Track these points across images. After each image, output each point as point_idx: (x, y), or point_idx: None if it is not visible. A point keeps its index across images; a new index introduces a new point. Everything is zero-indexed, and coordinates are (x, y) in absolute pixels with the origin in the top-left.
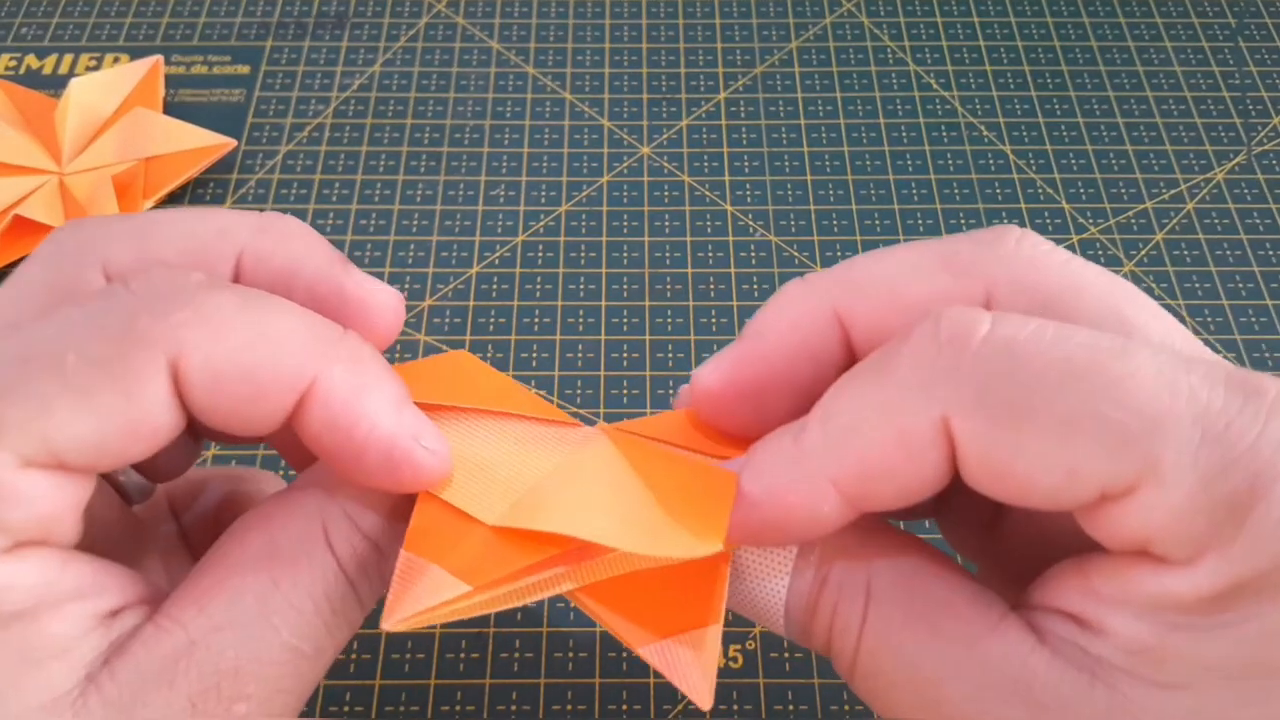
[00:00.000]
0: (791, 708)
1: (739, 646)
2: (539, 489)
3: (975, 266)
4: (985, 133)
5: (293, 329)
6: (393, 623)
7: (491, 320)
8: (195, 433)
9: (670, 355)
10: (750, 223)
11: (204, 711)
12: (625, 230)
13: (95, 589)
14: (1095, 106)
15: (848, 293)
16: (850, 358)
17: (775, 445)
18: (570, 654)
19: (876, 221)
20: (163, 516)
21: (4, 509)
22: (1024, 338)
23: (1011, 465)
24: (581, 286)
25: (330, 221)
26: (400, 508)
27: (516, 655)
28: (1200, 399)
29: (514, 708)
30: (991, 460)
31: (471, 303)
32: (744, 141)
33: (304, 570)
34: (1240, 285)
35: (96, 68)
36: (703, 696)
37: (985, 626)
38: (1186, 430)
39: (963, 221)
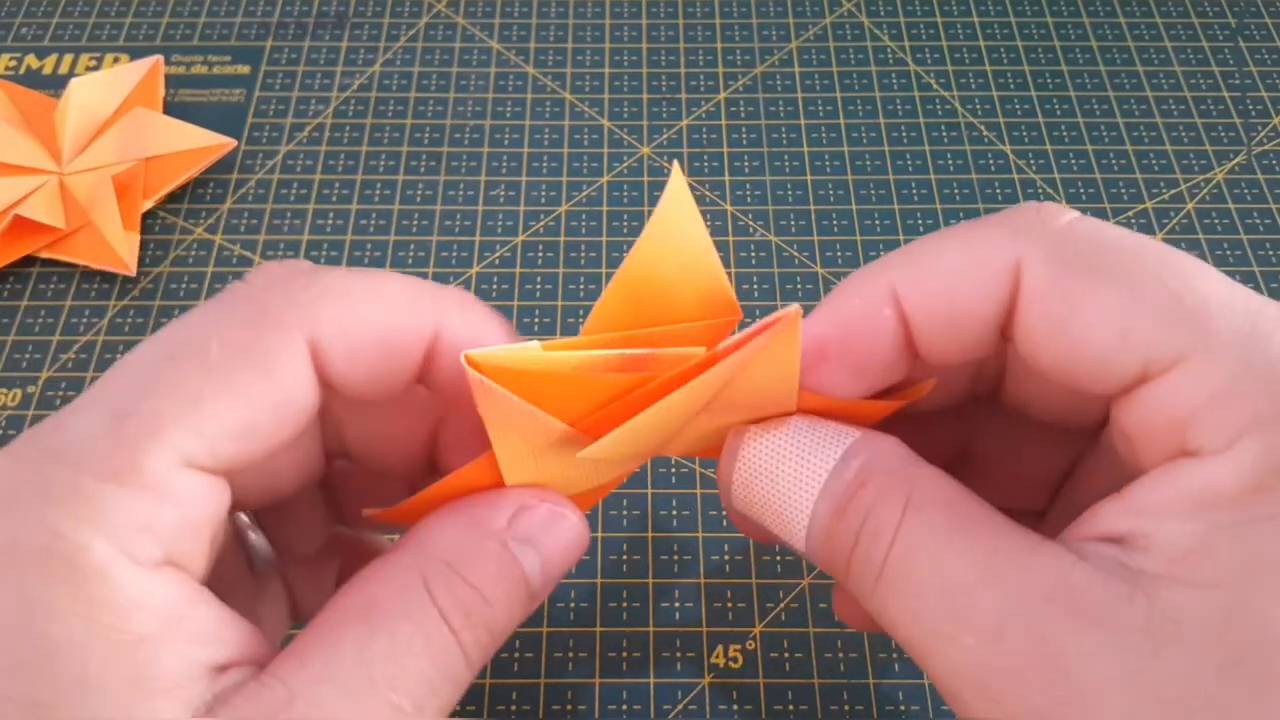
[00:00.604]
0: (791, 708)
1: (739, 646)
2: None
3: (1010, 243)
4: (985, 133)
5: (404, 288)
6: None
7: None
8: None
9: None
10: (750, 223)
11: None
12: (625, 230)
13: (214, 637)
14: (1095, 106)
15: (905, 278)
16: (910, 345)
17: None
18: (570, 654)
19: (876, 221)
20: (279, 593)
21: (158, 508)
22: (1108, 226)
23: (1070, 318)
24: (581, 286)
25: (330, 221)
26: (505, 561)
27: (516, 655)
28: (1255, 303)
29: (514, 708)
30: (1052, 310)
31: None
32: (744, 141)
33: (402, 622)
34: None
35: (96, 68)
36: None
37: (1026, 543)
38: (1238, 319)
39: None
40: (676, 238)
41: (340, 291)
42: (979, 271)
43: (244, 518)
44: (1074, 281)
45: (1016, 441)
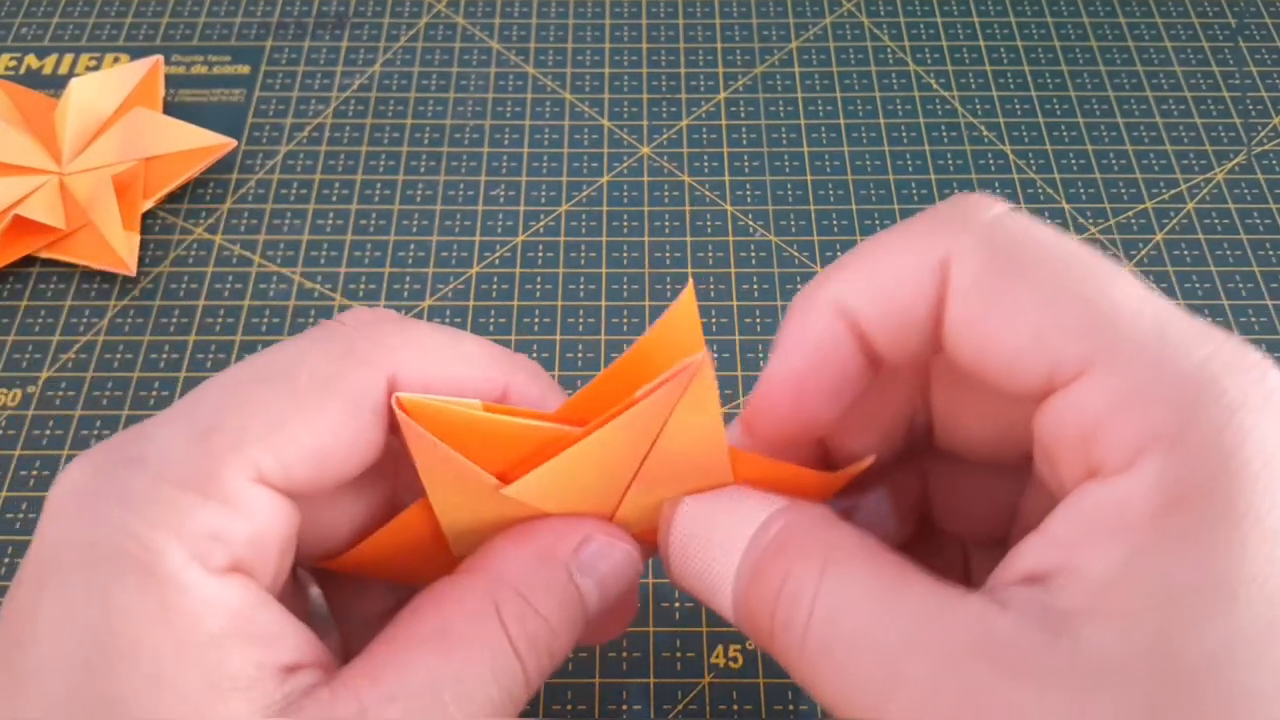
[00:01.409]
0: (791, 708)
1: (739, 646)
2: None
3: (942, 236)
4: (985, 133)
5: (481, 349)
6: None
7: (491, 320)
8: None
9: None
10: (750, 223)
11: None
12: (625, 230)
13: (280, 638)
14: (1095, 106)
15: (845, 287)
16: (870, 350)
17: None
18: (570, 654)
19: (876, 221)
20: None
21: (232, 519)
22: (1035, 225)
23: (986, 316)
24: (581, 286)
25: (330, 221)
26: (570, 591)
27: None
28: (1166, 312)
29: None
30: (971, 307)
31: (471, 303)
32: (744, 141)
33: (475, 647)
34: (1240, 285)
35: (96, 67)
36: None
37: (948, 599)
38: (1146, 327)
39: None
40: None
41: (423, 342)
42: (913, 270)
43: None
44: (993, 279)
45: (963, 481)
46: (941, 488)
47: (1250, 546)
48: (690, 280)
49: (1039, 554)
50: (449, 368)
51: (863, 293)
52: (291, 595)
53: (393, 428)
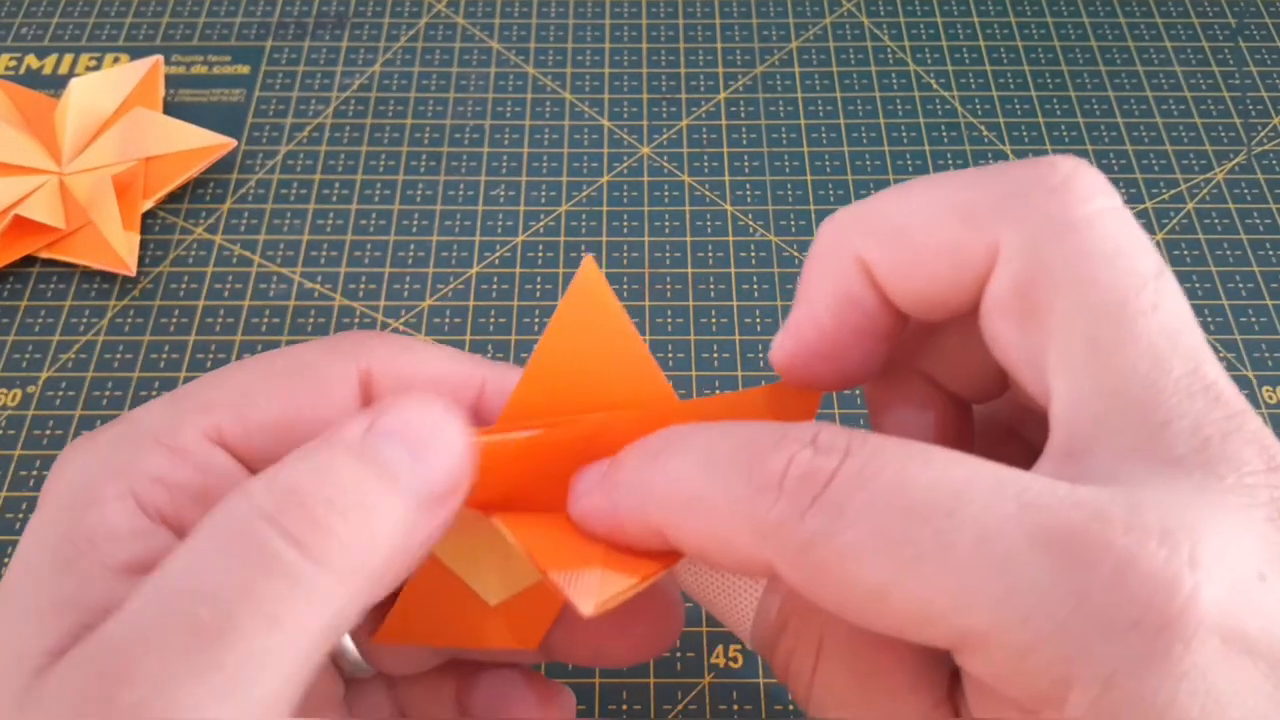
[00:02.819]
0: (791, 708)
1: (739, 646)
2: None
3: (993, 222)
4: (985, 133)
5: (455, 350)
6: (594, 607)
7: (491, 320)
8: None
9: (670, 355)
10: (750, 223)
11: (94, 692)
12: (625, 230)
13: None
14: (1095, 106)
15: (869, 243)
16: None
17: None
18: None
19: None
20: (380, 702)
21: (179, 466)
22: (1095, 218)
23: (1021, 333)
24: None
25: (330, 221)
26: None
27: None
28: (1014, 570)
29: None
30: (1002, 316)
31: (471, 303)
32: (744, 141)
33: (210, 520)
34: (1240, 285)
35: (96, 68)
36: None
37: (916, 710)
38: (1008, 608)
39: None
40: (590, 327)
41: (400, 342)
42: (949, 249)
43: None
44: (1027, 300)
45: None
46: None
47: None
48: (589, 256)
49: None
50: (424, 360)
51: (887, 256)
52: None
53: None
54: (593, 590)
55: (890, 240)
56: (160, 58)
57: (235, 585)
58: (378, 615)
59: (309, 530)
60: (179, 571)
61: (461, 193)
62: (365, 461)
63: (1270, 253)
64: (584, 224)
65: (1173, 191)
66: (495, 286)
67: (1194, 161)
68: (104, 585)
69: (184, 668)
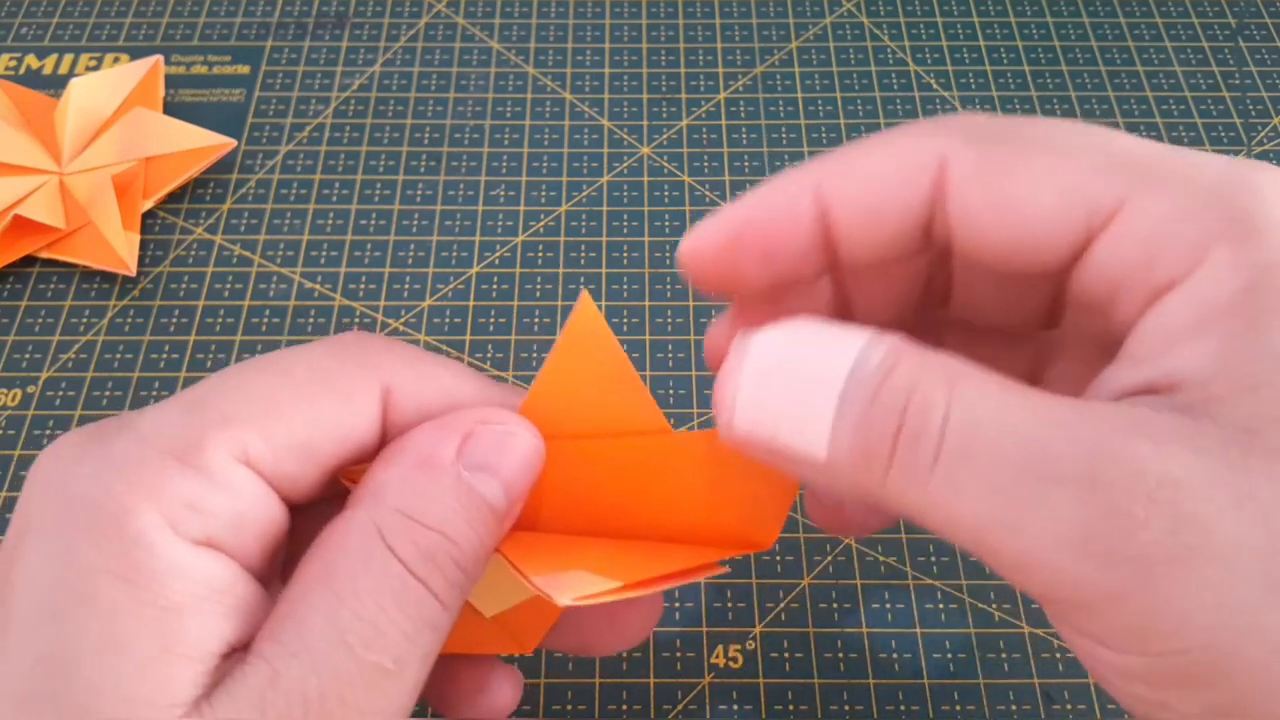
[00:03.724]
0: (791, 707)
1: (739, 647)
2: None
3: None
4: None
5: (467, 369)
6: (570, 599)
7: (491, 320)
8: None
9: (670, 355)
10: None
11: None
12: (625, 230)
13: (249, 616)
14: (1095, 106)
15: (831, 187)
16: (828, 237)
17: None
18: (570, 655)
19: None
20: None
21: (211, 492)
22: (1025, 117)
23: (1007, 188)
24: (581, 286)
25: (330, 221)
26: (462, 494)
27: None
28: (1167, 147)
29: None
30: (986, 186)
31: (471, 303)
32: (744, 141)
33: (365, 581)
34: None
35: (96, 68)
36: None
37: (1078, 401)
38: (1162, 158)
39: None
40: (587, 360)
41: (414, 356)
42: (903, 164)
43: None
44: (1003, 155)
45: (977, 348)
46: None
47: None
48: (585, 292)
49: (1130, 376)
50: (441, 380)
51: (846, 181)
52: None
53: (389, 432)
54: (570, 587)
55: (850, 170)
56: (160, 58)
57: (403, 637)
58: None
59: (445, 589)
60: (355, 628)
61: (461, 193)
62: (475, 506)
63: None
64: (584, 224)
65: None
66: (495, 286)
67: None
68: (197, 623)
69: (372, 703)
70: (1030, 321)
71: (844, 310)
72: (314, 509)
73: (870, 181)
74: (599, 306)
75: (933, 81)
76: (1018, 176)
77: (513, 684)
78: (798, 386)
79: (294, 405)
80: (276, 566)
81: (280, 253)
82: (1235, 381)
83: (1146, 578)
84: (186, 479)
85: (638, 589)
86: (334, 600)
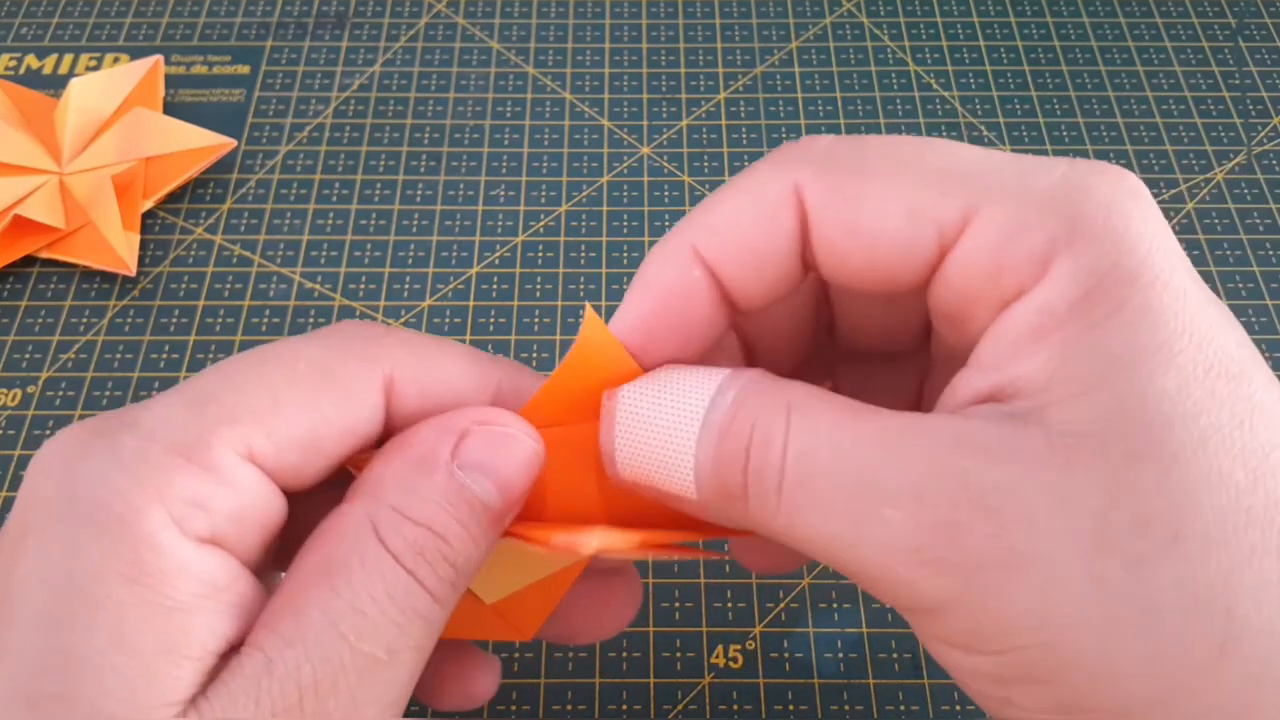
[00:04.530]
0: (791, 707)
1: (739, 646)
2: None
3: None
4: (985, 133)
5: (467, 348)
6: (597, 547)
7: (491, 320)
8: None
9: None
10: None
11: None
12: (625, 230)
13: (248, 613)
14: (1095, 106)
15: (706, 244)
16: (726, 295)
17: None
18: (570, 654)
19: None
20: None
21: (216, 489)
22: (868, 137)
23: (856, 216)
24: (581, 286)
25: (330, 221)
26: (454, 492)
27: (516, 655)
28: (1008, 156)
29: (514, 707)
30: (837, 216)
31: (471, 303)
32: (744, 141)
33: (358, 573)
34: (1240, 285)
35: (97, 68)
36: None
37: (912, 418)
38: (1004, 168)
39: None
40: (596, 369)
41: (414, 342)
42: (762, 207)
43: None
44: (852, 181)
45: (868, 373)
46: (850, 382)
47: (1169, 306)
48: (589, 308)
49: (976, 382)
50: (443, 365)
51: (720, 238)
52: None
53: (393, 422)
54: (592, 541)
55: (720, 221)
56: (160, 58)
57: (394, 628)
58: None
59: (436, 583)
60: (349, 619)
61: (461, 193)
62: (467, 504)
63: (1270, 253)
64: (584, 224)
65: (1173, 191)
66: (495, 286)
67: (1194, 161)
68: (202, 622)
69: (367, 693)
70: (909, 341)
71: (750, 352)
72: (313, 494)
73: (739, 232)
74: (599, 307)
75: (933, 81)
76: (867, 201)
77: (493, 673)
78: (661, 435)
79: (297, 401)
80: (271, 555)
81: (280, 253)
82: (1068, 387)
83: (976, 582)
84: (193, 477)
85: (656, 550)
86: (329, 592)
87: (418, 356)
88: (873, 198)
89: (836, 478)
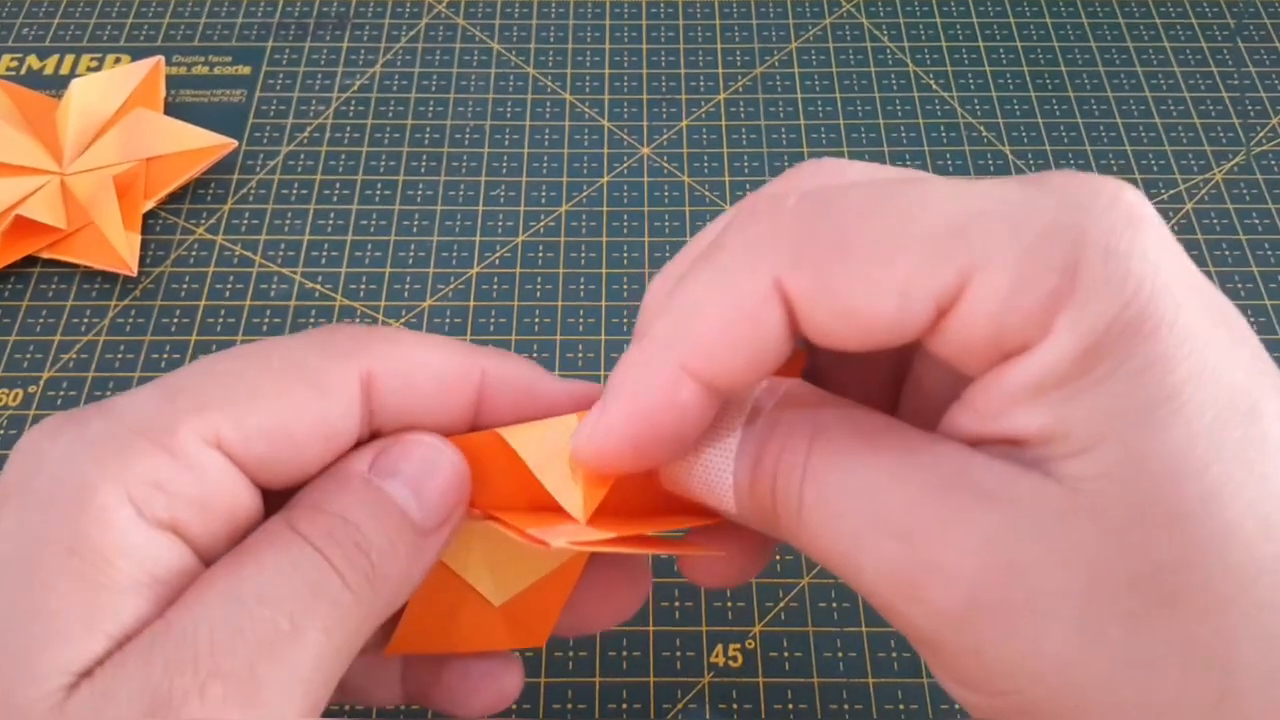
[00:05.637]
0: (791, 707)
1: (739, 646)
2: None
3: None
4: (985, 133)
5: (450, 339)
6: (565, 543)
7: (491, 320)
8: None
9: None
10: None
11: (178, 687)
12: (625, 230)
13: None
14: (1094, 107)
15: (692, 360)
16: (712, 397)
17: (622, 361)
18: (570, 654)
19: None
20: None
21: (178, 473)
22: (834, 190)
23: (848, 304)
24: (581, 286)
25: (330, 222)
26: (368, 491)
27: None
28: (995, 197)
29: (514, 707)
30: (830, 305)
31: (471, 303)
32: (744, 141)
33: (267, 550)
34: (1239, 285)
35: (98, 68)
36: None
37: (924, 440)
38: (993, 219)
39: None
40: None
41: (396, 336)
42: (745, 310)
43: None
44: (836, 270)
45: (841, 363)
46: (824, 371)
47: (1173, 354)
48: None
49: (970, 425)
50: (424, 356)
51: (708, 358)
52: None
53: (375, 422)
54: (563, 535)
55: (708, 338)
56: (161, 58)
57: (300, 603)
58: (388, 626)
59: (346, 565)
60: (251, 585)
61: (462, 193)
62: (380, 502)
63: (1269, 253)
64: (584, 224)
65: (1172, 192)
66: (495, 286)
67: (1193, 162)
68: (130, 603)
69: (266, 664)
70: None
71: None
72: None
73: (726, 346)
74: (599, 306)
75: (932, 82)
76: (857, 285)
77: (518, 670)
78: (702, 456)
79: (268, 391)
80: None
81: (281, 253)
82: (1069, 444)
83: (969, 626)
84: (154, 458)
85: (630, 545)
86: (235, 569)
87: (398, 350)
88: (862, 281)
89: (846, 503)
